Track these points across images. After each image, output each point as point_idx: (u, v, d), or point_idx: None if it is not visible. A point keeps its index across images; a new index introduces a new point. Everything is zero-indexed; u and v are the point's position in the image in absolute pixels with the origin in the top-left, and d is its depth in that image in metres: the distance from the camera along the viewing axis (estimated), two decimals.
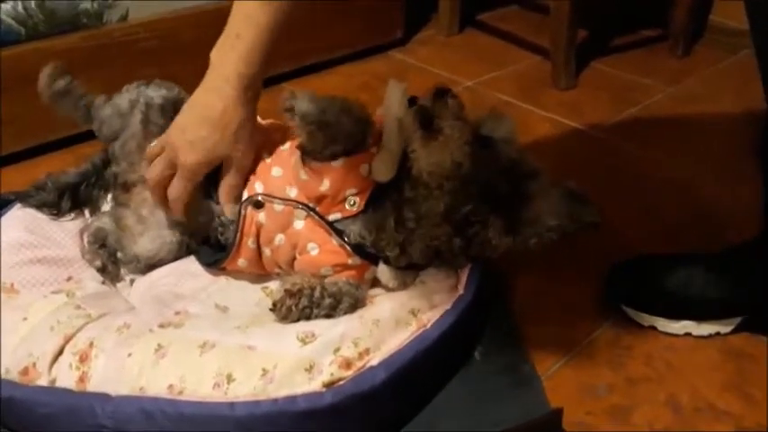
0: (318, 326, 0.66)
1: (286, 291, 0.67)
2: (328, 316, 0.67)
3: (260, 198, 0.69)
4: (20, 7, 1.03)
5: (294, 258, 0.70)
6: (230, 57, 0.66)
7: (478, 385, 0.70)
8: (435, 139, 0.62)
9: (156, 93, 0.75)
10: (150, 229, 0.74)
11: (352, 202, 0.67)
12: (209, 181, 0.71)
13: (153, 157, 0.71)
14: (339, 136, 0.63)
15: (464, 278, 0.72)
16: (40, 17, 1.05)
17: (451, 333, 0.68)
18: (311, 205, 0.68)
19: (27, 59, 1.05)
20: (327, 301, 0.66)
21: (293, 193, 0.68)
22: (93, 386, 0.62)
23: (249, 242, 0.70)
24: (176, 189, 0.69)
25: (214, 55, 0.67)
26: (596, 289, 0.82)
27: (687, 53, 1.48)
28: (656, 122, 1.25)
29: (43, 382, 0.63)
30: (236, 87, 0.66)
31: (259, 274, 0.74)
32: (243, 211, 0.69)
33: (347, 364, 0.63)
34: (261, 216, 0.69)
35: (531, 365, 0.72)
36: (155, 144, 0.72)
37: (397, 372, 0.63)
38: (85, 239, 0.78)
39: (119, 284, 0.77)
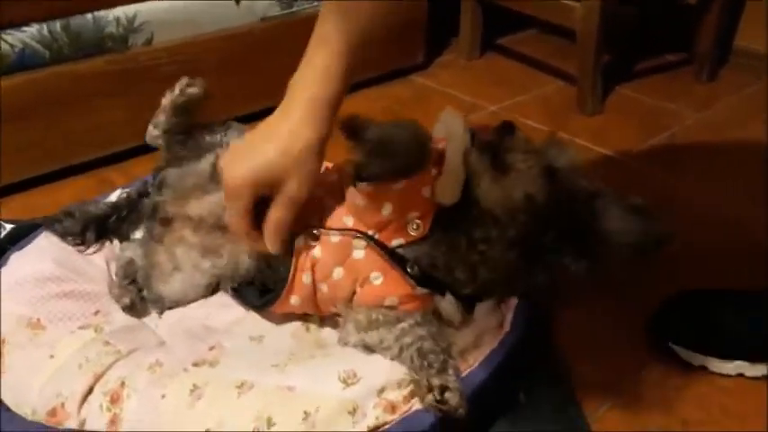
0: (360, 365, 0.63)
1: None
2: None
3: (314, 231, 0.65)
4: (45, 30, 1.01)
5: (354, 293, 0.66)
6: (301, 81, 0.62)
7: (524, 428, 0.67)
8: (506, 175, 0.60)
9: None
10: (182, 271, 0.71)
11: (415, 226, 0.63)
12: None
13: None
14: (400, 165, 0.60)
15: (510, 316, 0.69)
16: (65, 40, 1.03)
17: (497, 374, 0.65)
18: (370, 233, 0.64)
19: (51, 82, 1.03)
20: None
21: (350, 221, 0.65)
22: (125, 429, 0.59)
23: (304, 277, 0.66)
24: (228, 216, 0.64)
25: (290, 82, 0.63)
26: (642, 326, 0.79)
27: (712, 78, 1.46)
28: (686, 149, 1.23)
29: (72, 423, 0.60)
30: (304, 110, 0.61)
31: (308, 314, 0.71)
32: (296, 245, 0.65)
33: (392, 407, 0.60)
34: (316, 250, 0.65)
35: (579, 407, 0.69)
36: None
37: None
38: (113, 271, 0.76)
39: (148, 317, 0.74)
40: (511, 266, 0.61)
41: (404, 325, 0.64)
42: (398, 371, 0.63)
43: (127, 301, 0.72)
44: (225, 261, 0.69)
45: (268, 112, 0.64)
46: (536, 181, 0.60)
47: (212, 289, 0.73)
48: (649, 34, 1.61)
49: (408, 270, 0.63)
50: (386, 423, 0.59)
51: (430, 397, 0.59)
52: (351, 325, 0.66)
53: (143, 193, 0.75)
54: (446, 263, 0.64)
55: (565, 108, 1.34)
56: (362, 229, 0.64)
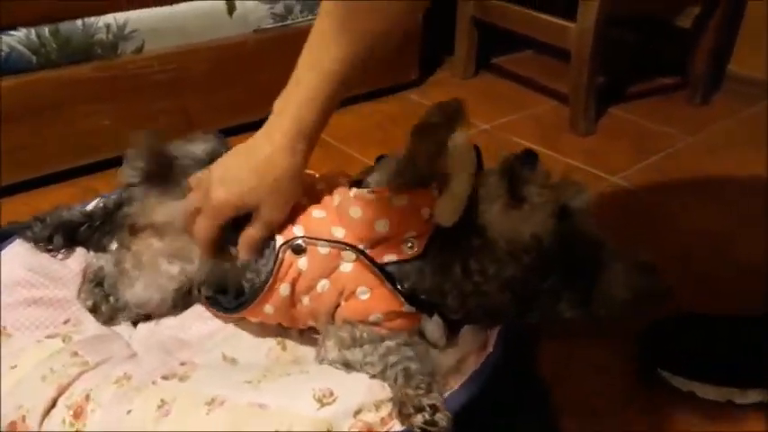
0: (337, 384, 0.60)
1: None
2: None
3: (300, 242, 0.64)
4: (33, 35, 1.00)
5: (337, 306, 0.64)
6: (287, 103, 0.62)
7: None
8: (519, 207, 0.58)
9: (200, 148, 0.72)
10: (146, 276, 0.69)
11: (410, 245, 0.62)
12: (235, 227, 0.66)
13: (191, 187, 0.67)
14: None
15: (493, 336, 0.67)
16: (54, 46, 1.03)
17: (479, 396, 0.62)
18: (361, 247, 0.62)
19: (38, 88, 1.02)
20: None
21: (340, 233, 0.63)
22: None
23: (281, 288, 0.64)
24: (199, 226, 0.65)
25: (276, 101, 0.63)
26: (629, 349, 0.77)
27: (706, 102, 1.46)
28: (679, 171, 1.22)
29: None
30: (286, 135, 0.61)
31: (280, 326, 0.69)
32: (280, 255, 0.63)
33: (369, 429, 0.57)
34: (301, 262, 0.63)
35: None
36: (195, 175, 0.68)
37: None
38: (86, 277, 0.73)
39: (121, 326, 0.72)
40: (502, 305, 0.60)
41: (390, 343, 0.62)
42: (377, 391, 0.60)
43: (90, 303, 0.70)
44: (196, 266, 0.67)
45: (258, 124, 0.63)
46: (547, 220, 0.58)
47: (184, 293, 0.70)
48: (644, 56, 1.61)
49: (399, 287, 0.62)
50: None
51: (419, 418, 0.55)
52: (331, 342, 0.64)
53: (120, 204, 0.73)
54: (438, 285, 0.62)
55: (557, 128, 1.34)
56: (353, 242, 0.62)
